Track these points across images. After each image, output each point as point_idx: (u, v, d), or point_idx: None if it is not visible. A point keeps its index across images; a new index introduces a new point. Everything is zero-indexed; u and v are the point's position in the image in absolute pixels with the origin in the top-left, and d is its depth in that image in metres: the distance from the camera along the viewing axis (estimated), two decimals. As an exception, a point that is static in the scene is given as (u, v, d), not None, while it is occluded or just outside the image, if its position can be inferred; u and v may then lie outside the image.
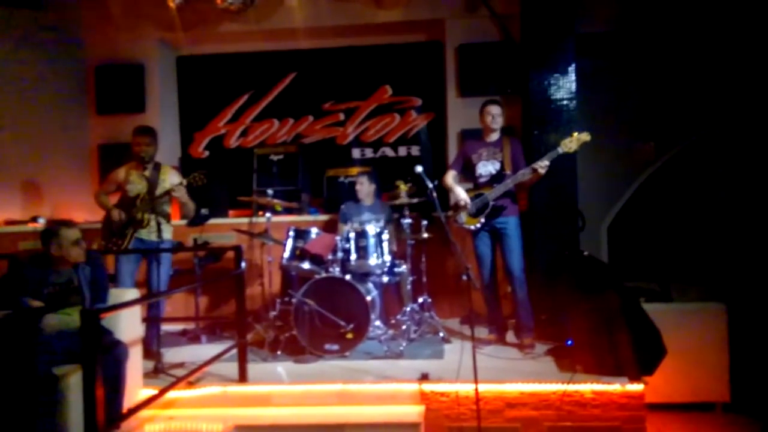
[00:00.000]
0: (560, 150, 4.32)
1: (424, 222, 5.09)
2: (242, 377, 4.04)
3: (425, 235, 5.03)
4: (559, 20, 5.30)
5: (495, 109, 4.61)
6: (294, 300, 4.55)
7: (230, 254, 4.37)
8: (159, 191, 4.63)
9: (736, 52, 5.79)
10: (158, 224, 4.46)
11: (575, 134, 4.30)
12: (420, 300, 5.01)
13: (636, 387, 3.70)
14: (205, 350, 4.73)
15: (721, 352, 4.40)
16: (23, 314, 3.30)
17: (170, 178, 4.76)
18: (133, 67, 6.53)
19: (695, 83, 5.99)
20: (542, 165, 4.30)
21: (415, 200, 4.93)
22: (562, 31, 5.29)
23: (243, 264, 4.19)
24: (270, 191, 5.28)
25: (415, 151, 6.71)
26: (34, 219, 5.81)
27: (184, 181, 4.57)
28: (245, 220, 5.93)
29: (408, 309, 4.88)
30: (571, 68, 5.26)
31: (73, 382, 3.16)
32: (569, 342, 4.35)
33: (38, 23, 6.17)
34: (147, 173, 4.66)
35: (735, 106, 5.95)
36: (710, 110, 6.05)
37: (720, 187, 6.25)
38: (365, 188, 5.40)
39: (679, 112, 6.13)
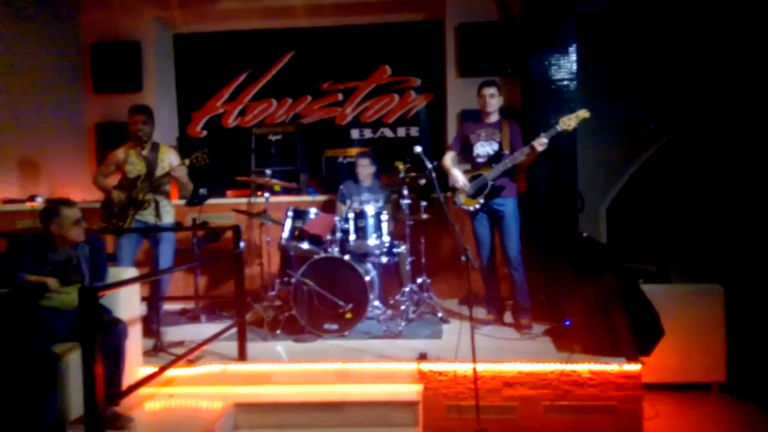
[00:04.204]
0: (559, 128, 4.29)
1: (423, 203, 5.08)
2: (242, 356, 4.06)
3: (424, 216, 5.03)
4: (561, -1, 5.25)
5: (488, 90, 4.56)
6: (293, 280, 4.56)
7: (229, 234, 4.37)
8: (159, 172, 4.58)
9: (738, 34, 5.74)
10: (157, 205, 4.44)
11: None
12: (419, 280, 5.03)
13: (633, 367, 3.72)
14: (205, 329, 4.75)
15: (718, 333, 4.42)
16: (23, 291, 3.31)
17: (169, 158, 4.72)
18: (129, 45, 6.46)
19: (696, 64, 5.96)
20: (541, 142, 4.27)
21: (413, 174, 4.89)
22: (563, 11, 5.24)
23: (242, 244, 4.19)
24: (268, 171, 5.26)
25: (414, 131, 6.68)
26: (32, 198, 5.79)
27: (187, 161, 4.54)
28: (244, 200, 5.91)
29: (407, 289, 4.89)
30: (572, 48, 5.21)
31: (73, 360, 3.17)
32: (567, 322, 4.38)
33: (34, 0, 6.09)
34: (146, 153, 4.62)
35: (736, 88, 5.91)
36: (711, 92, 6.02)
37: (719, 170, 6.24)
38: (366, 170, 5.38)
39: (679, 94, 6.10)
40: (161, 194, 4.63)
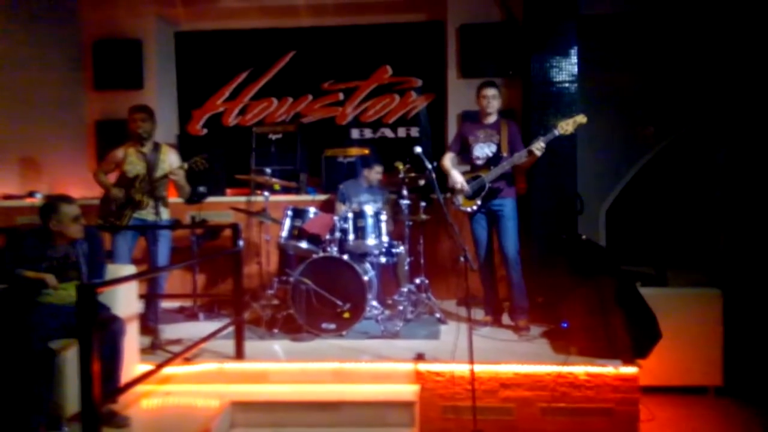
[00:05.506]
0: (557, 132, 4.30)
1: (423, 203, 5.09)
2: (239, 354, 4.06)
3: (423, 217, 5.03)
4: (562, 1, 5.25)
5: (489, 92, 4.57)
6: (291, 279, 4.56)
7: (228, 232, 4.37)
8: (159, 172, 4.54)
9: (739, 38, 5.74)
10: (156, 203, 4.43)
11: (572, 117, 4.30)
12: (417, 281, 5.03)
13: (630, 370, 3.73)
14: (203, 327, 4.76)
15: (716, 337, 4.42)
16: (21, 287, 3.31)
17: (170, 159, 4.67)
18: (130, 42, 6.46)
19: (697, 68, 5.96)
20: (538, 147, 4.28)
21: (412, 174, 4.91)
22: (564, 13, 5.25)
23: (240, 242, 4.18)
24: (268, 170, 5.27)
25: (414, 132, 6.68)
26: (31, 194, 5.80)
27: (185, 165, 4.52)
28: (243, 198, 5.91)
29: (405, 290, 4.89)
30: (573, 50, 5.22)
31: (70, 356, 3.18)
32: (564, 324, 4.38)
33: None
34: (146, 151, 4.60)
35: (736, 91, 5.91)
36: (711, 95, 6.02)
37: (719, 173, 6.24)
38: (378, 176, 5.45)
39: (680, 97, 6.10)
40: (158, 197, 4.56)
